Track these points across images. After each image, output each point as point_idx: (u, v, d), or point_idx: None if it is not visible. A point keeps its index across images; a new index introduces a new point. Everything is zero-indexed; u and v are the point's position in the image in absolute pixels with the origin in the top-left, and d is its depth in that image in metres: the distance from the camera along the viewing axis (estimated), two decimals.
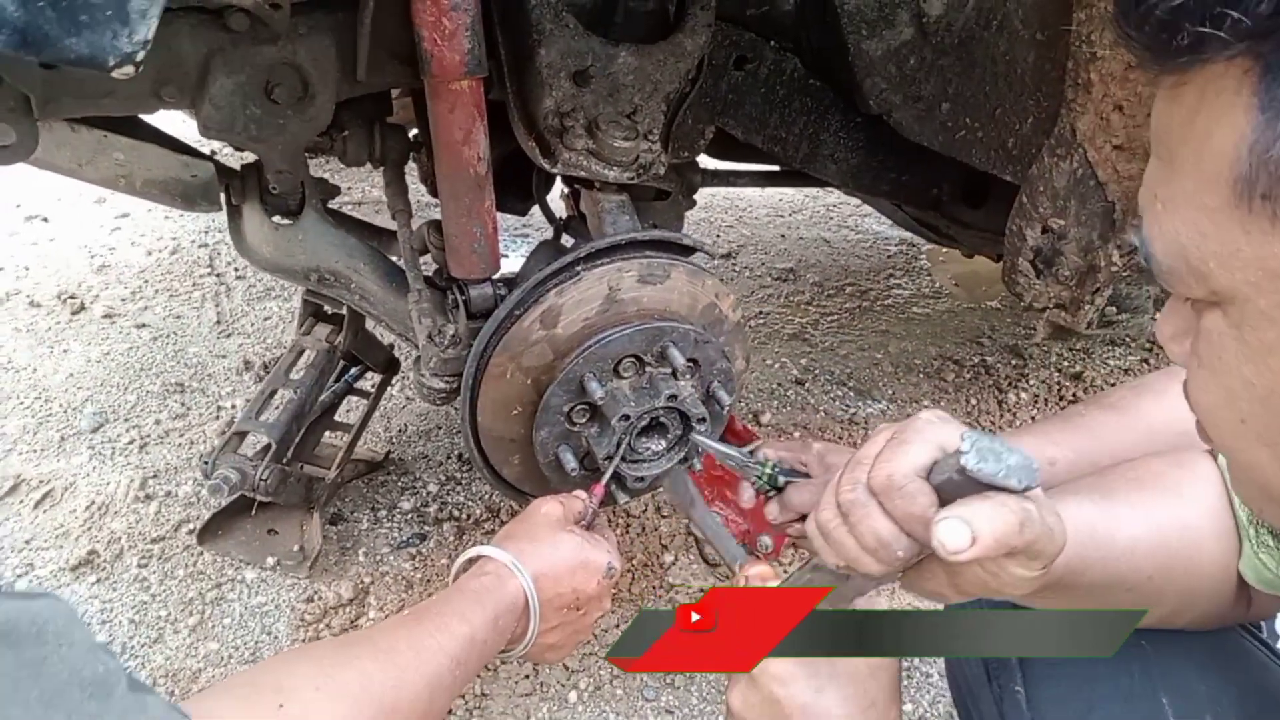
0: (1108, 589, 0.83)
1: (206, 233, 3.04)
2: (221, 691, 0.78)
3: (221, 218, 2.99)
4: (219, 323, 2.57)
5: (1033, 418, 2.34)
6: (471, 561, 1.08)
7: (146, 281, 2.77)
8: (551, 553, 1.08)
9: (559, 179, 1.62)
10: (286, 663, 0.83)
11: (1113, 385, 2.49)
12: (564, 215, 1.70)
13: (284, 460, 1.64)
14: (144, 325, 2.54)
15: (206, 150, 1.63)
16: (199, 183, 1.48)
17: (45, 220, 3.11)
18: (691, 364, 1.28)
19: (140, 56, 0.55)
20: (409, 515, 1.91)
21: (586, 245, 1.25)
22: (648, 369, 1.28)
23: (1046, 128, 1.47)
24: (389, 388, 2.05)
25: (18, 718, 0.46)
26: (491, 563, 1.05)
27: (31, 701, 0.47)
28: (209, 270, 2.83)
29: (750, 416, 2.27)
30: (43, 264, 2.85)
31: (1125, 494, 0.87)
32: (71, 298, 2.64)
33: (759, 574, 1.04)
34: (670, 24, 1.35)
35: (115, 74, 0.56)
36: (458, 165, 1.24)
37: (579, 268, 1.24)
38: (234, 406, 2.20)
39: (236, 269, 2.84)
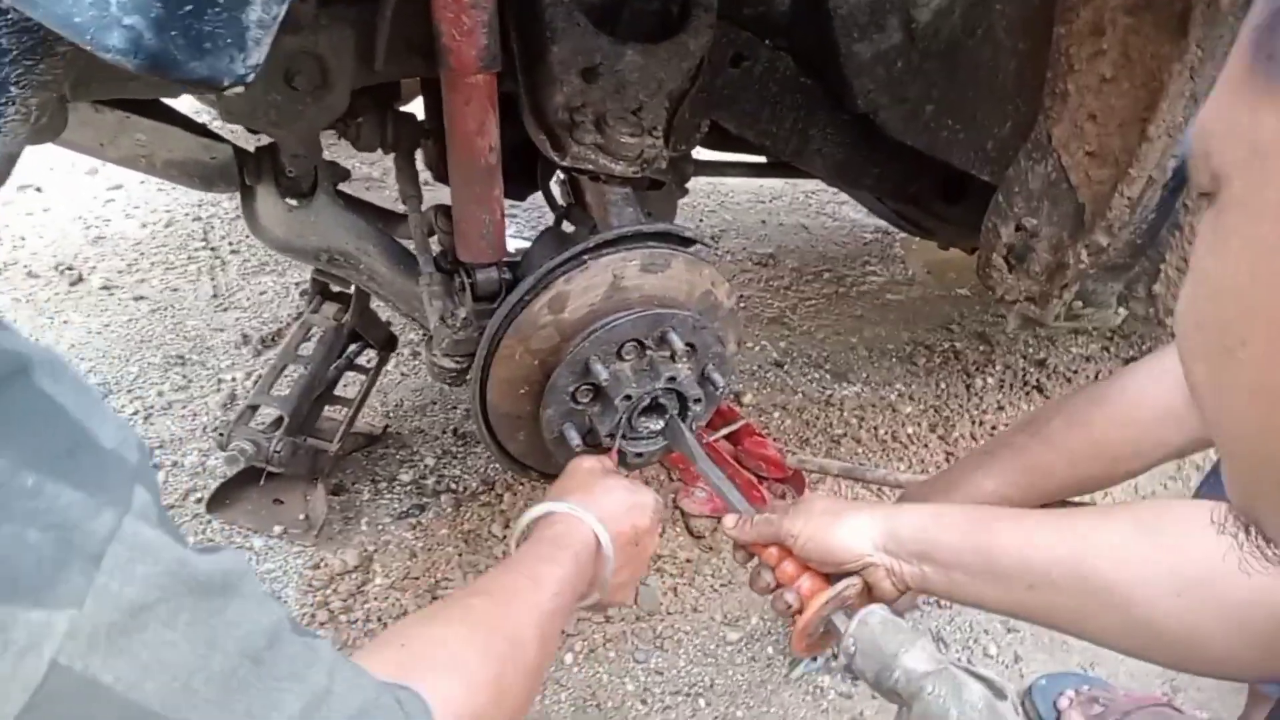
0: None
1: (200, 205, 3.07)
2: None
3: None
4: (215, 296, 2.61)
5: (998, 402, 2.45)
6: (529, 526, 1.12)
7: (142, 254, 2.80)
8: (606, 496, 1.16)
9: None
10: (388, 631, 0.86)
11: (1074, 372, 2.61)
12: (564, 202, 1.77)
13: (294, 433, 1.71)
14: (142, 298, 2.58)
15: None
16: (217, 164, 1.54)
17: (39, 190, 3.12)
18: (689, 348, 1.37)
19: (250, 78, 0.61)
20: (408, 487, 1.99)
21: (594, 238, 1.33)
22: (648, 352, 1.36)
23: (1024, 132, 1.56)
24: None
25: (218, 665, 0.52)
26: (556, 515, 1.11)
27: (230, 652, 0.53)
28: (204, 244, 2.87)
29: (732, 397, 2.36)
30: (38, 234, 2.87)
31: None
32: (69, 269, 2.67)
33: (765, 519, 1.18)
34: (674, 24, 1.42)
35: (227, 93, 0.62)
36: (470, 155, 1.30)
37: (586, 257, 1.32)
38: (235, 379, 2.26)
39: (230, 243, 2.88)
